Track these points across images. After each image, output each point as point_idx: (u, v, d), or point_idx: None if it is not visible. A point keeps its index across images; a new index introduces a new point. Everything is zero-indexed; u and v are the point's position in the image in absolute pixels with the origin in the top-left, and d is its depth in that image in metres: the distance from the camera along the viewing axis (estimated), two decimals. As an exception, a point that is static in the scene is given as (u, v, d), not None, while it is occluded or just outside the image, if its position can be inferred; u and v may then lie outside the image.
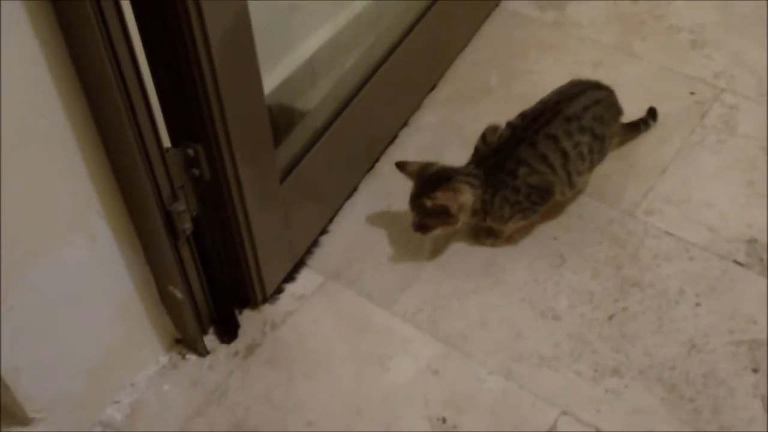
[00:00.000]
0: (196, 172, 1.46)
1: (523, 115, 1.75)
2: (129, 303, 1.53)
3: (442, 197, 1.67)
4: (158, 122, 1.35)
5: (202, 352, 1.65)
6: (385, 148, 1.98)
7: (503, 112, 2.02)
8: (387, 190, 1.90)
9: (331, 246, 1.83)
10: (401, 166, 1.75)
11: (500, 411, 1.58)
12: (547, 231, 1.83)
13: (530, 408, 1.59)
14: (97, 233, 1.40)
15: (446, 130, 2.02)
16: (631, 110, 2.01)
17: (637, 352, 1.65)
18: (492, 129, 1.76)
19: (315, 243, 1.82)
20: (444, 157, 1.93)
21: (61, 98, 1.24)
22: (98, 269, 1.44)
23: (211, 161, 1.45)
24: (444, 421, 1.57)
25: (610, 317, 1.70)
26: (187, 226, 1.47)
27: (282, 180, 1.62)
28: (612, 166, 1.93)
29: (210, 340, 1.68)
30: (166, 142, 1.41)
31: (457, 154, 1.93)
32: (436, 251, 1.81)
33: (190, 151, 1.43)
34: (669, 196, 1.88)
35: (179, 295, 1.54)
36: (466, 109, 2.06)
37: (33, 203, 1.28)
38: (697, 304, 1.71)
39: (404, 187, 1.89)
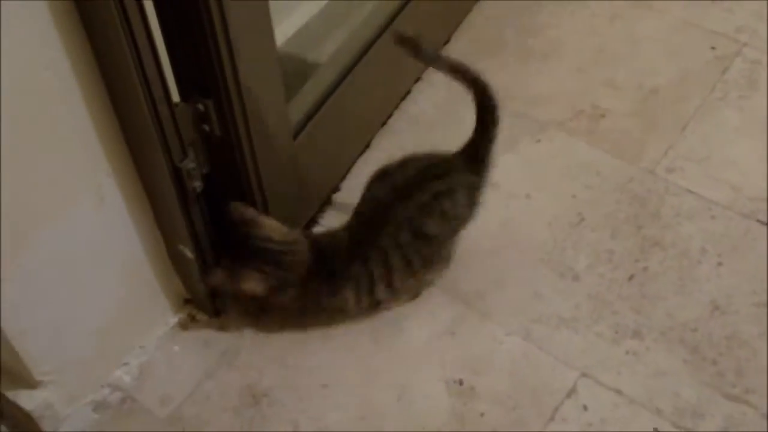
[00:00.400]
0: (207, 128, 1.40)
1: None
2: (137, 263, 1.48)
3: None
4: (167, 76, 1.30)
5: (212, 312, 1.60)
6: (399, 103, 1.91)
7: (519, 66, 1.98)
8: (401, 145, 1.83)
9: (343, 204, 1.77)
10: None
11: (519, 373, 1.54)
12: (565, 189, 1.78)
13: (550, 370, 1.54)
14: (105, 192, 1.35)
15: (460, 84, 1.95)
16: (650, 65, 1.96)
17: (659, 314, 1.60)
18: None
19: (327, 201, 1.77)
20: (459, 113, 1.87)
21: (66, 49, 1.18)
22: (106, 229, 1.39)
23: (221, 117, 1.39)
24: (461, 383, 1.53)
25: (631, 277, 1.65)
26: (197, 183, 1.42)
27: (295, 136, 1.56)
28: (631, 122, 1.87)
29: (219, 300, 1.62)
30: (176, 97, 1.35)
31: (473, 109, 1.87)
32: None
33: (200, 106, 1.37)
34: (690, 154, 1.82)
35: (189, 254, 1.49)
36: (481, 63, 1.94)
37: (38, 162, 1.23)
38: (720, 264, 1.65)
39: (419, 142, 1.84)
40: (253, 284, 1.45)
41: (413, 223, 1.49)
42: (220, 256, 1.52)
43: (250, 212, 1.47)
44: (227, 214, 1.47)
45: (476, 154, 1.56)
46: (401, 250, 1.50)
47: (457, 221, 1.55)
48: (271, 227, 1.47)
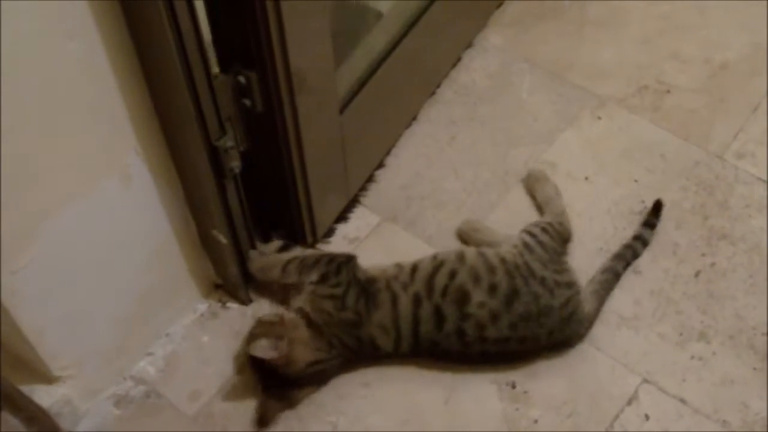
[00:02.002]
0: (248, 102, 1.23)
1: None
2: (165, 247, 1.32)
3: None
4: (206, 44, 1.12)
5: (245, 299, 1.44)
6: (448, 72, 1.72)
7: (577, 34, 1.79)
8: (449, 117, 1.67)
9: (387, 182, 1.60)
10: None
11: (576, 377, 1.39)
12: (626, 172, 1.60)
13: (609, 374, 1.39)
14: (132, 172, 1.19)
15: (514, 52, 1.76)
16: (720, 37, 1.77)
17: (727, 315, 1.45)
18: None
19: (370, 178, 1.59)
20: (513, 83, 1.70)
21: (94, 15, 1.01)
22: (133, 212, 1.23)
23: (265, 91, 1.21)
24: (513, 386, 1.38)
25: (697, 273, 1.49)
26: (234, 164, 1.25)
27: (342, 110, 1.38)
28: (698, 100, 1.69)
29: (252, 286, 1.46)
30: (214, 68, 1.18)
31: (528, 80, 1.70)
32: (504, 191, 1.57)
33: (242, 79, 1.21)
34: (762, 137, 1.64)
35: (223, 240, 1.32)
36: (536, 29, 1.80)
37: (58, 139, 1.07)
38: (794, 262, 1.49)
39: (469, 113, 1.67)
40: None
41: None
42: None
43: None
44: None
45: None
46: None
47: None
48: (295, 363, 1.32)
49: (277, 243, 1.42)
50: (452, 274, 1.33)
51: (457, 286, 1.32)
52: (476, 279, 1.32)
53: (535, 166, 1.57)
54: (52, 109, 1.02)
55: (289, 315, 1.34)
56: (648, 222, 1.51)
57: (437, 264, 1.35)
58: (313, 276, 1.34)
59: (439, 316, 1.32)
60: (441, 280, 1.33)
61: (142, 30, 1.06)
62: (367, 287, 1.33)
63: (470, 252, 1.37)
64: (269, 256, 1.40)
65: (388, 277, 1.35)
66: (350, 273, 1.34)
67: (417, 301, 1.32)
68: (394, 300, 1.32)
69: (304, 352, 1.31)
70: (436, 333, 1.32)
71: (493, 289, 1.32)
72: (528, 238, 1.40)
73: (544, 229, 1.42)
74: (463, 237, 1.52)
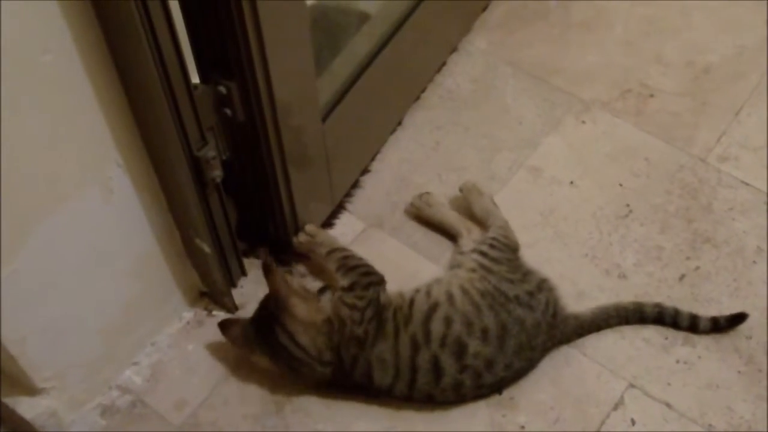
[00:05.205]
0: (228, 112, 1.19)
1: None
2: (150, 256, 1.28)
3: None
4: (186, 55, 1.09)
5: (231, 307, 1.40)
6: (433, 77, 1.68)
7: (562, 37, 1.75)
8: (435, 122, 1.63)
9: (372, 188, 1.56)
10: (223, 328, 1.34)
11: (562, 382, 1.35)
12: (611, 176, 1.56)
13: (595, 379, 1.35)
14: (114, 183, 1.15)
15: (499, 56, 1.72)
16: (703, 40, 1.73)
17: (711, 318, 1.41)
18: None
19: (355, 184, 1.55)
20: (497, 88, 1.67)
21: (71, 27, 0.98)
22: (115, 222, 1.19)
23: (246, 100, 1.18)
24: (500, 392, 1.34)
25: (681, 277, 1.45)
26: (216, 173, 1.21)
27: (324, 118, 1.34)
28: (681, 104, 1.65)
29: (239, 293, 1.42)
30: (195, 78, 1.15)
31: (512, 84, 1.67)
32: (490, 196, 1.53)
33: (222, 89, 1.17)
34: (745, 141, 1.60)
35: (206, 249, 1.28)
36: (521, 32, 1.75)
37: (38, 152, 1.03)
38: (778, 265, 1.46)
39: (453, 118, 1.63)
40: (264, 364, 1.32)
41: None
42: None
43: (284, 288, 1.27)
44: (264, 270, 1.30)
45: None
46: None
47: None
48: (300, 324, 1.27)
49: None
50: (448, 322, 1.28)
51: (455, 337, 1.27)
52: (469, 326, 1.28)
53: (466, 181, 1.50)
54: (28, 122, 0.98)
55: (325, 301, 1.31)
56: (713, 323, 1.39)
57: (432, 305, 1.30)
58: (345, 281, 1.32)
59: (437, 369, 1.27)
60: (438, 327, 1.28)
61: (119, 42, 1.02)
62: (380, 313, 1.29)
63: (456, 290, 1.31)
64: (327, 234, 1.45)
65: (395, 307, 1.30)
66: (376, 293, 1.31)
67: (415, 345, 1.27)
68: (397, 334, 1.28)
69: (302, 327, 1.27)
70: (433, 386, 1.28)
71: (485, 333, 1.28)
72: (482, 260, 1.35)
73: (492, 245, 1.37)
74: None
